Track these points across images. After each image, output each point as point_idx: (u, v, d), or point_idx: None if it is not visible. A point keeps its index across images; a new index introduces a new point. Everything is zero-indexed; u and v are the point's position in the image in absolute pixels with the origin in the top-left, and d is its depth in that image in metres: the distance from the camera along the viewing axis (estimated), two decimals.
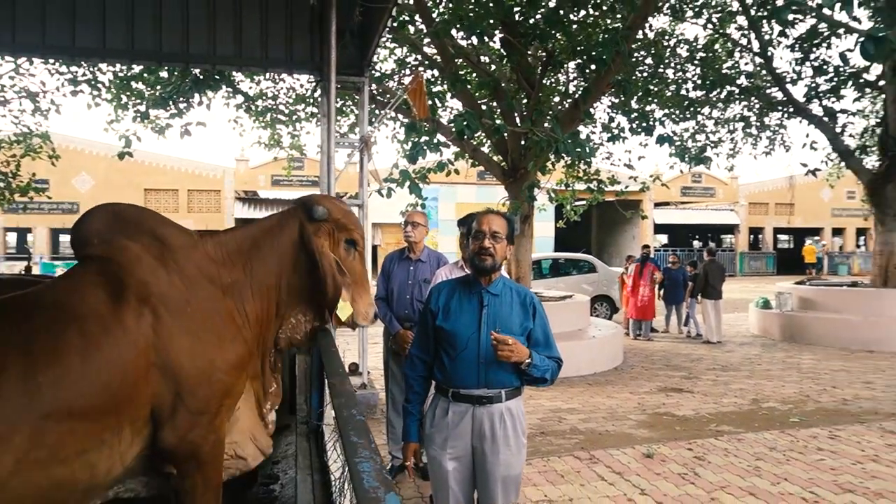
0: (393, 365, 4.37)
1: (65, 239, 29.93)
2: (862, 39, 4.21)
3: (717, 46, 11.50)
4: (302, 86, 10.84)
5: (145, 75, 8.62)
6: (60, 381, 1.54)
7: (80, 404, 1.56)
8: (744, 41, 11.55)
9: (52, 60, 8.20)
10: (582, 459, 4.75)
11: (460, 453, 2.39)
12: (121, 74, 8.56)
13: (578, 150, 6.18)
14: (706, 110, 12.58)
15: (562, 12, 7.20)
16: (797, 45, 8.66)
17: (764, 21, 8.33)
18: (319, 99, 5.90)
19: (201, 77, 8.35)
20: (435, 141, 6.36)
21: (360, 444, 0.91)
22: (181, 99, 8.62)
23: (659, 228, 33.07)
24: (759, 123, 13.12)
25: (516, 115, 8.59)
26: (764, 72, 11.74)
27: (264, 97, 10.78)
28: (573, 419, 5.97)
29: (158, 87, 8.51)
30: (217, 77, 8.52)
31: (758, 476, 4.39)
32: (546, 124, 7.59)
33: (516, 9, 7.77)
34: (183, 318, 1.82)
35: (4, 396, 1.46)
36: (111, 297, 1.73)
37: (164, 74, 8.49)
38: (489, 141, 9.54)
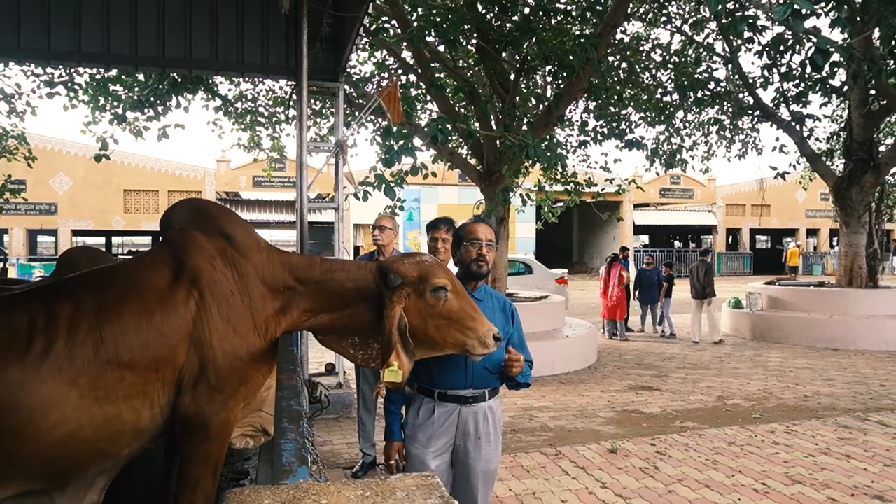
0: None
1: (42, 240, 29.60)
2: (811, 52, 4.42)
3: (689, 52, 11.76)
4: (281, 88, 10.89)
5: (123, 77, 8.64)
6: (119, 336, 1.87)
7: (129, 357, 1.87)
8: (717, 47, 11.84)
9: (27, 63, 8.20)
10: (548, 455, 4.91)
11: (443, 451, 2.51)
12: (98, 77, 8.57)
13: (549, 154, 6.35)
14: (680, 114, 12.85)
15: (533, 19, 7.36)
16: (764, 52, 8.91)
17: (730, 33, 8.59)
18: (293, 102, 5.99)
19: (179, 80, 8.39)
20: (410, 145, 6.47)
21: (289, 428, 1.04)
22: (158, 102, 8.65)
23: (639, 229, 33.53)
24: (732, 127, 13.42)
25: (492, 119, 8.74)
26: (735, 77, 12.03)
27: (244, 99, 10.83)
28: (544, 417, 6.13)
29: (136, 90, 8.53)
30: (194, 80, 8.56)
31: (714, 469, 4.58)
32: (520, 129, 7.77)
33: (490, 16, 7.93)
34: (224, 305, 2.09)
35: (78, 343, 1.80)
36: (172, 275, 2.05)
37: (141, 77, 8.52)
38: (466, 146, 9.69)
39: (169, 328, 1.96)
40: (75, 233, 24.27)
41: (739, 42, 10.75)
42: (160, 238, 2.27)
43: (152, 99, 8.51)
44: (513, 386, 2.55)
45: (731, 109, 12.64)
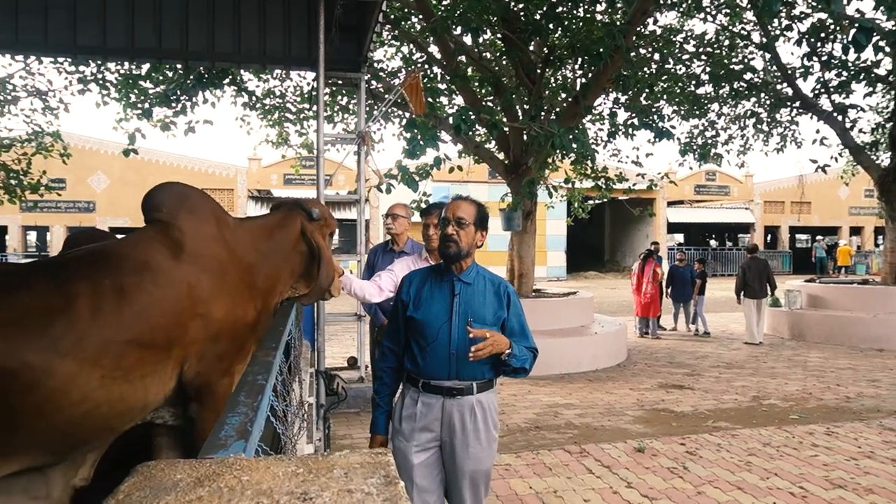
0: None
1: None
2: (854, 31, 4.16)
3: (724, 41, 11.37)
4: (308, 84, 10.91)
5: (153, 74, 8.75)
6: (138, 316, 1.92)
7: (148, 337, 1.93)
8: (754, 36, 11.43)
9: (59, 60, 8.36)
10: (572, 453, 4.74)
11: (428, 446, 2.34)
12: (126, 73, 8.68)
13: (575, 144, 6.17)
14: (715, 106, 12.46)
15: (561, 9, 7.18)
16: (803, 40, 8.53)
17: (765, 14, 8.22)
18: (315, 95, 5.94)
19: (205, 76, 8.44)
20: (431, 137, 6.36)
21: (243, 402, 0.94)
22: (184, 96, 8.72)
23: (673, 227, 32.79)
24: (769, 119, 12.95)
25: (518, 111, 8.58)
26: (773, 67, 11.60)
27: (272, 95, 10.87)
28: (569, 414, 5.96)
29: (162, 85, 8.62)
30: (220, 75, 8.61)
31: (748, 471, 4.35)
32: (547, 120, 7.59)
33: (518, 5, 7.77)
34: (222, 281, 2.21)
35: (100, 324, 1.82)
36: (173, 256, 2.10)
37: (169, 74, 8.60)
38: (492, 137, 9.55)
39: (181, 308, 2.04)
40: (112, 230, 24.88)
41: (777, 30, 10.37)
42: (147, 220, 2.26)
43: (178, 93, 8.57)
44: (508, 373, 2.35)
45: (768, 101, 12.18)
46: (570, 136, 6.37)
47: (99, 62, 8.42)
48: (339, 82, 7.61)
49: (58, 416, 1.72)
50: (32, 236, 27.68)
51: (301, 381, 2.82)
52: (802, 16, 9.54)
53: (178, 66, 7.96)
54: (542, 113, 7.96)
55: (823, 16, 9.14)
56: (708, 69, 10.93)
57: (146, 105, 8.84)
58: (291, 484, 0.65)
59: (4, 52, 6.09)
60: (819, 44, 9.24)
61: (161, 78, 8.78)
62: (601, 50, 6.29)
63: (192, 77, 8.44)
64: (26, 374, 1.66)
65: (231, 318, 2.19)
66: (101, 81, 8.87)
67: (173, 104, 8.85)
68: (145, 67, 8.54)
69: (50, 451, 1.80)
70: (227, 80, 9.20)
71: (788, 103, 11.81)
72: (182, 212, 2.22)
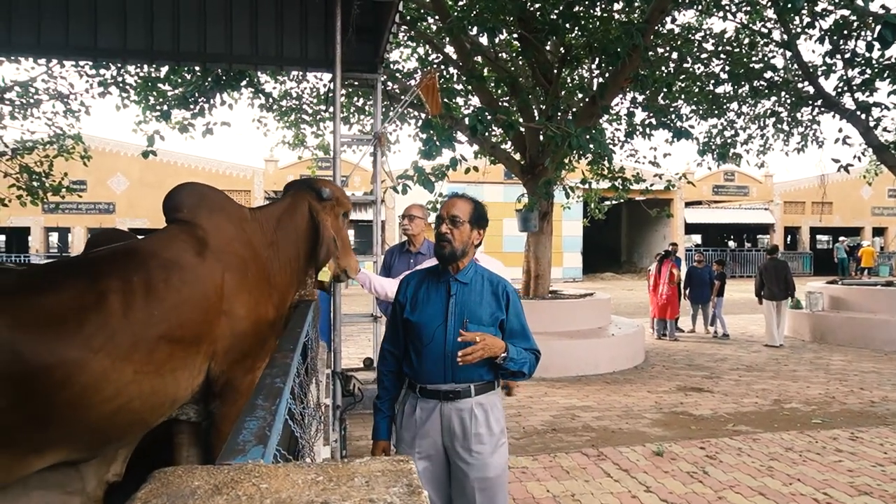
0: None
1: None
2: (880, 27, 4.07)
3: (744, 39, 11.22)
4: (325, 86, 10.95)
5: (171, 76, 8.83)
6: (167, 313, 1.95)
7: (177, 333, 1.97)
8: (774, 34, 11.25)
9: (80, 63, 8.47)
10: (590, 456, 4.69)
11: (430, 452, 2.25)
12: (145, 75, 8.77)
13: (592, 144, 6.12)
14: (734, 106, 12.29)
15: (578, 8, 7.13)
16: (826, 37, 8.38)
17: (788, 12, 8.08)
18: (331, 96, 5.94)
19: (223, 78, 8.51)
20: (447, 137, 6.34)
21: (261, 405, 0.93)
22: (202, 99, 8.79)
23: (690, 228, 32.45)
24: (790, 118, 12.75)
25: (534, 111, 8.53)
26: (794, 65, 11.41)
27: (289, 97, 10.92)
28: (586, 417, 5.90)
29: (180, 88, 8.70)
30: (238, 77, 8.67)
31: (770, 476, 4.28)
32: (564, 120, 7.53)
33: (534, 5, 7.73)
34: (245, 279, 2.24)
35: (132, 321, 1.86)
36: (198, 254, 2.14)
37: (187, 76, 8.68)
38: (508, 138, 9.51)
39: (208, 304, 2.08)
40: (132, 231, 25.17)
41: (799, 28, 10.21)
42: (168, 220, 2.30)
43: (196, 95, 8.64)
44: (507, 376, 2.26)
45: (789, 100, 11.99)
46: (587, 137, 6.31)
47: (119, 65, 8.51)
48: (356, 83, 7.60)
49: (91, 410, 1.74)
50: (54, 237, 28.14)
51: (318, 383, 2.81)
52: (825, 13, 9.37)
53: (197, 68, 8.02)
54: (559, 113, 7.90)
55: (846, 12, 8.98)
56: (727, 68, 10.79)
57: (165, 107, 8.92)
58: (311, 493, 0.63)
59: (27, 55, 6.18)
60: (842, 41, 9.08)
61: (179, 80, 8.86)
62: (619, 49, 6.23)
63: (209, 79, 8.51)
64: (60, 371, 1.68)
65: (253, 315, 2.23)
66: (120, 84, 8.97)
67: (191, 106, 8.92)
68: (164, 70, 8.62)
69: (84, 445, 1.83)
70: (244, 82, 9.27)
71: (810, 102, 11.61)
72: (203, 211, 2.26)
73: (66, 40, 5.61)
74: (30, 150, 10.21)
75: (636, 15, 8.38)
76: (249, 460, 0.75)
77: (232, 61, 6.13)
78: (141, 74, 8.87)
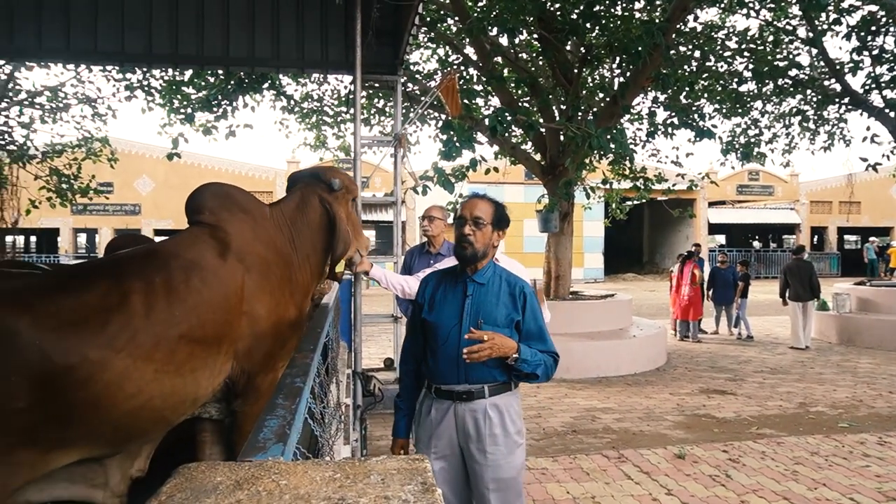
0: None
1: None
2: None
3: (769, 37, 11.04)
4: (345, 87, 11.03)
5: (195, 80, 8.99)
6: (188, 313, 1.97)
7: (198, 333, 1.99)
8: (799, 31, 11.07)
9: (107, 67, 8.65)
10: (610, 458, 4.67)
11: (446, 453, 2.26)
12: (170, 79, 8.93)
13: (612, 144, 6.08)
14: (758, 104, 12.10)
15: (598, 7, 7.09)
16: (853, 34, 8.21)
17: (813, 8, 7.94)
18: (352, 98, 5.99)
19: (245, 81, 8.63)
20: (467, 138, 6.35)
21: (281, 404, 0.95)
22: (225, 101, 8.92)
23: (714, 228, 32.03)
24: (816, 117, 12.52)
25: (554, 111, 8.51)
26: (820, 62, 11.21)
27: (310, 99, 11.03)
28: (607, 418, 5.87)
29: (204, 91, 8.84)
30: (260, 80, 8.78)
31: (794, 480, 4.21)
32: (584, 120, 7.49)
33: (555, 5, 7.70)
34: (266, 280, 2.25)
35: (154, 321, 1.88)
36: (220, 255, 2.16)
37: (211, 79, 8.82)
38: (528, 138, 9.49)
39: (229, 305, 2.10)
40: (157, 232, 25.59)
41: (825, 24, 10.02)
42: (191, 222, 2.32)
43: (219, 98, 8.78)
44: (520, 377, 2.25)
45: (815, 98, 11.78)
46: (608, 137, 6.28)
47: (144, 69, 8.68)
48: (376, 85, 7.67)
49: (113, 409, 1.78)
50: (82, 238, 28.71)
51: (338, 383, 2.84)
52: (852, 9, 9.19)
53: (220, 71, 8.16)
54: (580, 113, 7.86)
55: (874, 8, 8.80)
56: (751, 66, 10.63)
57: (189, 110, 9.08)
58: (329, 489, 0.65)
59: (56, 60, 6.32)
60: (870, 37, 8.90)
61: (203, 84, 9.01)
62: (639, 49, 6.19)
63: (232, 82, 8.64)
64: (84, 369, 1.72)
65: (274, 315, 2.24)
66: (146, 88, 9.15)
67: (215, 109, 9.06)
68: (188, 74, 8.77)
69: (106, 442, 1.86)
70: (266, 85, 9.39)
71: (837, 100, 11.39)
72: (224, 212, 2.28)
73: (93, 46, 5.73)
74: (59, 154, 10.46)
75: (658, 14, 8.31)
76: (269, 457, 0.78)
77: (254, 65, 6.22)
78: (166, 78, 9.03)
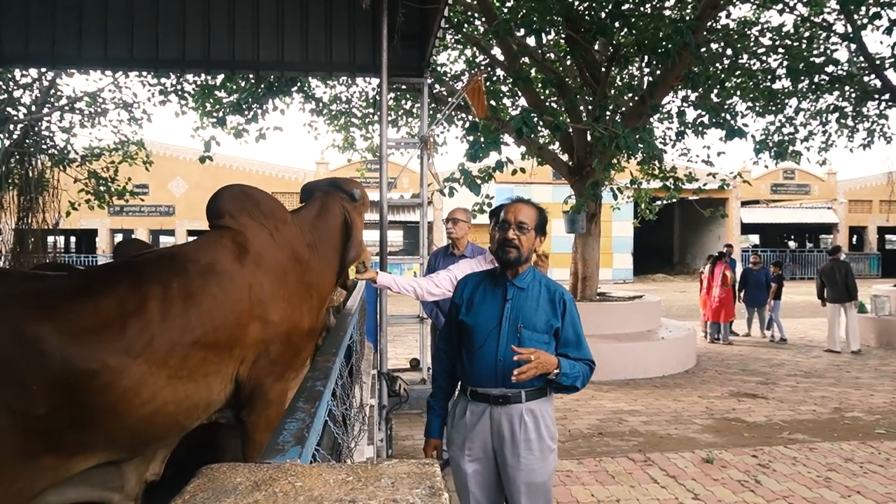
0: None
1: (164, 240, 32.41)
2: None
3: (804, 33, 10.78)
4: (373, 89, 11.13)
5: (227, 84, 9.18)
6: (203, 318, 1.97)
7: (211, 338, 1.99)
8: (837, 26, 10.78)
9: (143, 73, 8.89)
10: (636, 461, 4.63)
11: (479, 455, 2.27)
12: (202, 84, 9.14)
13: (641, 145, 6.03)
14: (793, 102, 11.83)
15: (627, 6, 7.03)
16: (893, 28, 7.97)
17: (852, 3, 7.72)
18: (379, 100, 6.06)
19: (275, 84, 8.77)
20: (493, 140, 6.35)
21: (301, 408, 0.99)
22: (255, 105, 9.09)
23: (747, 228, 31.41)
24: (854, 114, 12.18)
25: (582, 111, 8.46)
26: (858, 58, 10.90)
27: (338, 101, 11.17)
28: (634, 421, 5.82)
29: (235, 94, 9.03)
30: (289, 83, 8.92)
31: (827, 487, 4.13)
32: (612, 121, 7.43)
33: (582, 4, 7.66)
34: (282, 286, 2.24)
35: (170, 326, 1.88)
36: (237, 260, 2.16)
37: (241, 83, 8.99)
38: (555, 139, 9.44)
39: (242, 310, 2.08)
40: (190, 233, 26.17)
41: (864, 19, 9.75)
42: (211, 225, 2.32)
43: (250, 101, 8.95)
44: (559, 389, 2.24)
45: (853, 94, 11.46)
46: (636, 137, 6.22)
47: (178, 74, 8.90)
48: (403, 87, 7.73)
49: (130, 413, 1.79)
50: (119, 238, 29.49)
51: (363, 384, 2.88)
52: (892, 2, 8.92)
53: (251, 75, 8.31)
54: (607, 113, 7.80)
55: None
56: (786, 63, 10.39)
57: (220, 114, 9.27)
58: (341, 491, 0.69)
59: (95, 67, 6.53)
60: None
61: (234, 88, 9.19)
62: (669, 47, 6.12)
63: (262, 86, 8.79)
64: (104, 376, 1.74)
65: (288, 322, 2.22)
66: (179, 92, 9.38)
67: (245, 112, 9.25)
68: (220, 78, 8.96)
69: (124, 446, 1.88)
70: (295, 88, 9.53)
71: (876, 96, 11.06)
72: (245, 217, 2.28)
73: (130, 53, 5.92)
74: (97, 157, 10.78)
75: (688, 11, 8.20)
76: (287, 459, 0.81)
77: (284, 69, 6.35)
78: (198, 83, 9.25)
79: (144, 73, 8.97)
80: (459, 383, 2.38)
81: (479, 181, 7.04)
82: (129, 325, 1.82)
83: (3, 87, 9.40)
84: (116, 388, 1.75)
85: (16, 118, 9.26)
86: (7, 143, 8.99)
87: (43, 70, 8.93)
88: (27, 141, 9.14)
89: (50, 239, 9.73)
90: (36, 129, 9.38)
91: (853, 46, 10.70)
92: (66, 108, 10.07)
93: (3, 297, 1.78)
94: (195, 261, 2.10)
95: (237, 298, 2.08)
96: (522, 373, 2.05)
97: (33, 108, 9.56)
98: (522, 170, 9.37)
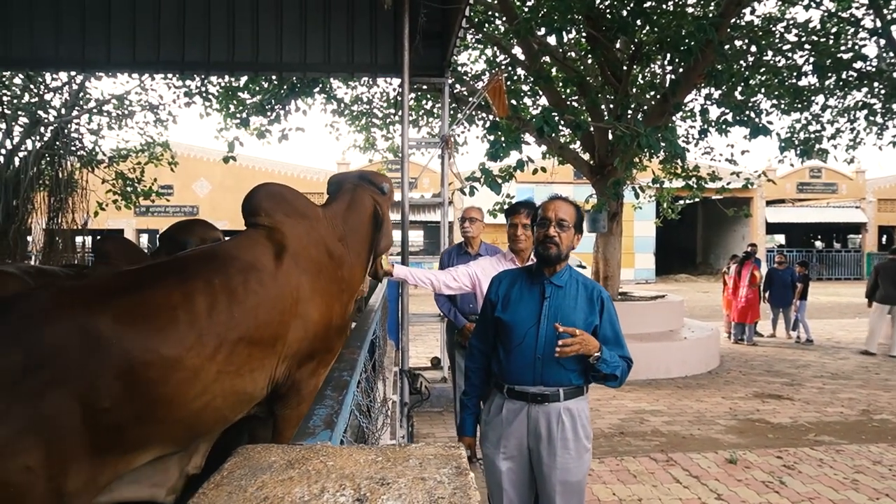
0: (458, 358, 4.44)
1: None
2: None
3: (832, 28, 10.59)
4: (395, 89, 11.20)
5: (250, 85, 9.31)
6: (247, 315, 1.99)
7: (255, 334, 2.01)
8: (865, 22, 10.56)
9: (169, 76, 9.07)
10: (658, 461, 4.61)
11: (514, 453, 2.27)
12: (226, 85, 9.28)
13: (663, 143, 5.98)
14: (820, 99, 11.62)
15: (649, 3, 6.98)
16: None
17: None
18: (400, 101, 6.10)
19: (297, 85, 8.88)
20: (514, 139, 6.36)
21: (328, 395, 1.02)
22: (278, 106, 9.21)
23: (772, 227, 30.88)
24: (884, 110, 11.92)
25: (603, 110, 8.42)
26: (890, 53, 10.67)
27: (359, 102, 11.25)
28: (656, 421, 5.79)
29: (258, 96, 9.15)
30: (311, 84, 9.02)
31: (854, 490, 4.07)
32: (634, 119, 7.39)
33: (604, 2, 7.62)
34: (318, 282, 2.27)
35: (216, 322, 1.91)
36: (276, 258, 2.20)
37: (265, 84, 9.11)
38: (576, 138, 9.41)
39: (283, 307, 2.12)
40: None
41: (894, 13, 9.55)
42: (248, 224, 2.36)
43: (273, 103, 9.06)
44: (598, 379, 2.24)
45: (883, 90, 11.22)
46: (658, 136, 6.18)
47: (203, 76, 9.05)
48: (424, 87, 7.77)
49: (184, 407, 1.81)
50: (145, 238, 30.00)
51: (385, 380, 2.92)
52: None
53: (274, 77, 8.43)
54: (629, 112, 7.75)
55: None
56: (812, 59, 10.22)
57: (244, 115, 9.41)
58: (371, 470, 0.72)
59: (123, 71, 6.67)
60: None
61: (257, 89, 9.32)
62: (691, 45, 6.07)
63: (285, 87, 8.90)
64: (161, 367, 1.75)
65: (326, 318, 2.26)
66: (204, 94, 9.54)
67: (268, 113, 9.37)
68: (243, 80, 9.10)
69: (176, 440, 1.89)
70: (317, 89, 9.63)
71: None
72: (280, 214, 2.32)
73: (157, 56, 6.05)
74: (124, 158, 11.02)
75: (711, 8, 8.12)
76: (318, 442, 0.85)
77: (306, 70, 6.43)
78: (222, 84, 9.39)
79: (170, 76, 9.14)
80: (493, 380, 2.37)
81: (499, 180, 7.06)
82: (179, 318, 1.85)
83: (35, 90, 9.64)
84: (171, 380, 1.77)
85: (46, 121, 9.50)
86: (38, 145, 9.22)
87: (72, 74, 9.15)
88: (57, 143, 9.37)
89: (78, 239, 9.96)
90: (65, 131, 9.62)
91: (882, 42, 10.48)
92: (95, 110, 10.31)
93: (58, 292, 1.80)
94: (236, 258, 2.11)
95: (279, 296, 2.11)
96: (567, 345, 2.07)
97: (63, 111, 9.80)
98: (543, 169, 9.36)
